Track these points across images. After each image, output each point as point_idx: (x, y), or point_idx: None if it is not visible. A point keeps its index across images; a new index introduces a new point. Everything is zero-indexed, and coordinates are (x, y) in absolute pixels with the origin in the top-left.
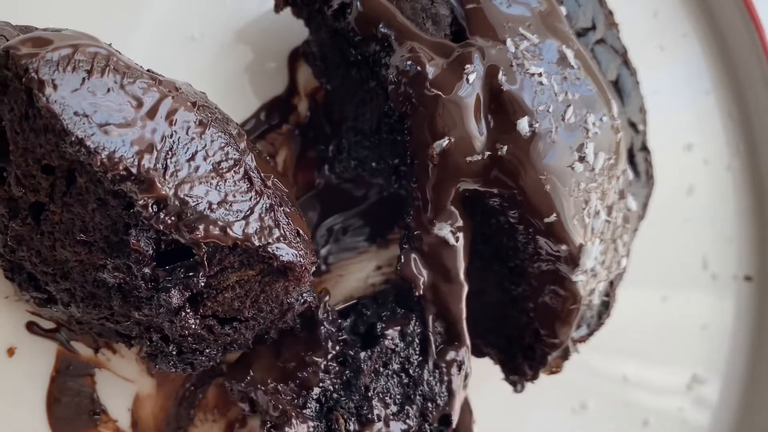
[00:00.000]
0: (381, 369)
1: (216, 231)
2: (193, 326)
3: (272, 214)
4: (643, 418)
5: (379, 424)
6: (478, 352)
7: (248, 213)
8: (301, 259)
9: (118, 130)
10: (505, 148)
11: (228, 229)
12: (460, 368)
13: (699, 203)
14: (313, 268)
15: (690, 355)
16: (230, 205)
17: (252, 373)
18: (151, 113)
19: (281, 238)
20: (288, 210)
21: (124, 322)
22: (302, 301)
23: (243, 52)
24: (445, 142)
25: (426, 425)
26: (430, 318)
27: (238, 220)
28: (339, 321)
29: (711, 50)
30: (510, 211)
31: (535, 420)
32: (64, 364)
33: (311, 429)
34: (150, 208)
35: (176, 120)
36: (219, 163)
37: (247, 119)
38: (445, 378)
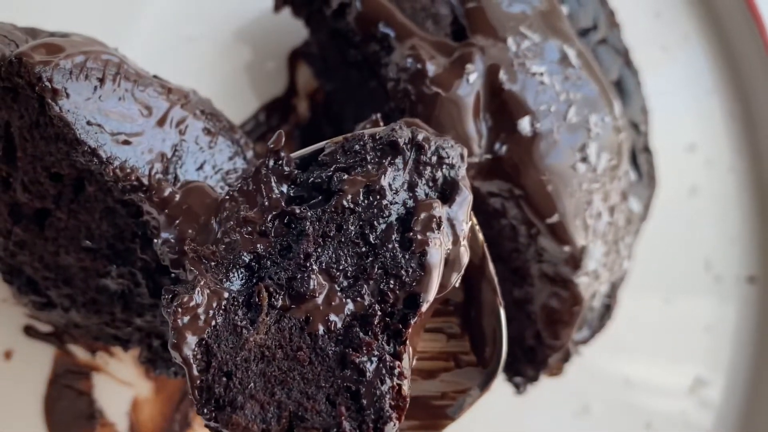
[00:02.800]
0: (333, 233)
1: None
2: None
3: None
4: (645, 420)
5: (318, 301)
6: None
7: None
8: None
9: (129, 140)
10: (505, 147)
11: None
12: (440, 227)
13: (702, 204)
14: None
15: (693, 357)
16: None
17: (180, 228)
18: (162, 122)
19: None
20: None
21: (124, 328)
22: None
23: (242, 53)
24: None
25: (384, 306)
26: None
27: None
28: (295, 173)
29: (713, 50)
30: (511, 212)
31: (537, 422)
32: (62, 367)
33: (224, 302)
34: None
35: (185, 129)
36: (227, 173)
37: (246, 120)
38: (417, 248)
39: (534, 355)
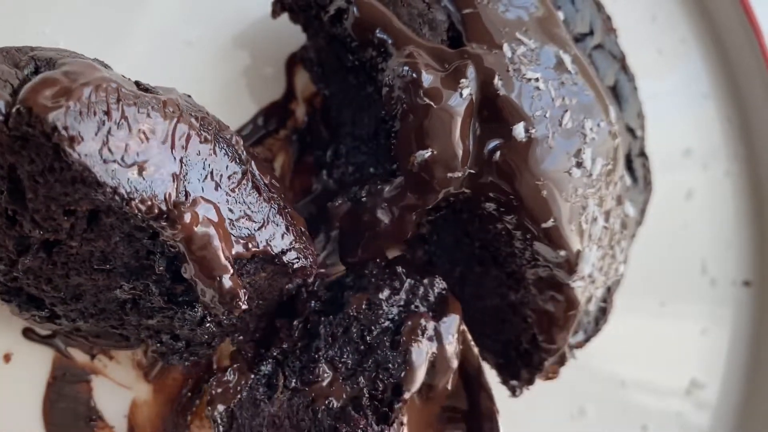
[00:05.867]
0: (339, 334)
1: (240, 248)
2: (214, 330)
3: (280, 218)
4: (641, 423)
5: (322, 385)
6: None
7: (262, 223)
8: (310, 260)
9: (143, 168)
10: (500, 153)
11: (249, 244)
12: (424, 334)
13: (698, 208)
14: (317, 263)
15: (689, 360)
16: (247, 219)
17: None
18: (165, 140)
19: (293, 242)
20: (289, 210)
21: (131, 329)
22: (297, 284)
23: (240, 57)
24: (427, 153)
25: (376, 392)
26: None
27: (256, 232)
28: (319, 293)
29: (710, 54)
30: (507, 217)
31: (533, 426)
32: (61, 370)
33: (250, 381)
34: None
35: (187, 143)
36: (229, 178)
37: (244, 124)
38: (403, 348)
39: (530, 359)
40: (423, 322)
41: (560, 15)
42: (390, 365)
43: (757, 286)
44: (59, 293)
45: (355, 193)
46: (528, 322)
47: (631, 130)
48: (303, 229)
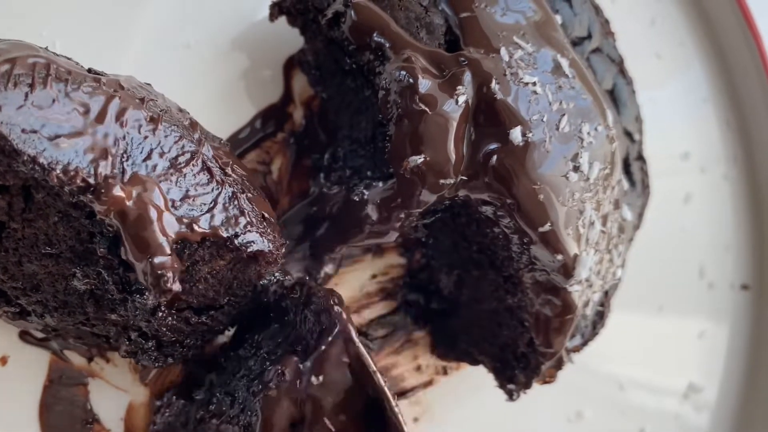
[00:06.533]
0: (238, 377)
1: (183, 228)
2: (171, 322)
3: (236, 202)
4: (639, 426)
5: (215, 422)
6: (472, 360)
7: (212, 205)
8: (270, 245)
9: (69, 141)
10: (497, 157)
11: (194, 225)
12: (293, 381)
13: (696, 212)
14: (283, 250)
15: (687, 364)
16: (193, 200)
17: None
18: (100, 117)
19: (248, 225)
20: (251, 195)
21: (100, 325)
22: (274, 280)
23: (238, 60)
24: (420, 159)
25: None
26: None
27: (203, 214)
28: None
29: (708, 58)
30: (504, 221)
31: (530, 428)
32: (57, 373)
33: (175, 407)
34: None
35: (126, 120)
36: (176, 158)
37: (242, 127)
38: (259, 394)
39: (527, 362)
40: (283, 367)
41: (558, 19)
42: (249, 411)
43: (755, 289)
44: (17, 283)
45: (355, 185)
46: (525, 325)
47: (628, 134)
48: (266, 214)
